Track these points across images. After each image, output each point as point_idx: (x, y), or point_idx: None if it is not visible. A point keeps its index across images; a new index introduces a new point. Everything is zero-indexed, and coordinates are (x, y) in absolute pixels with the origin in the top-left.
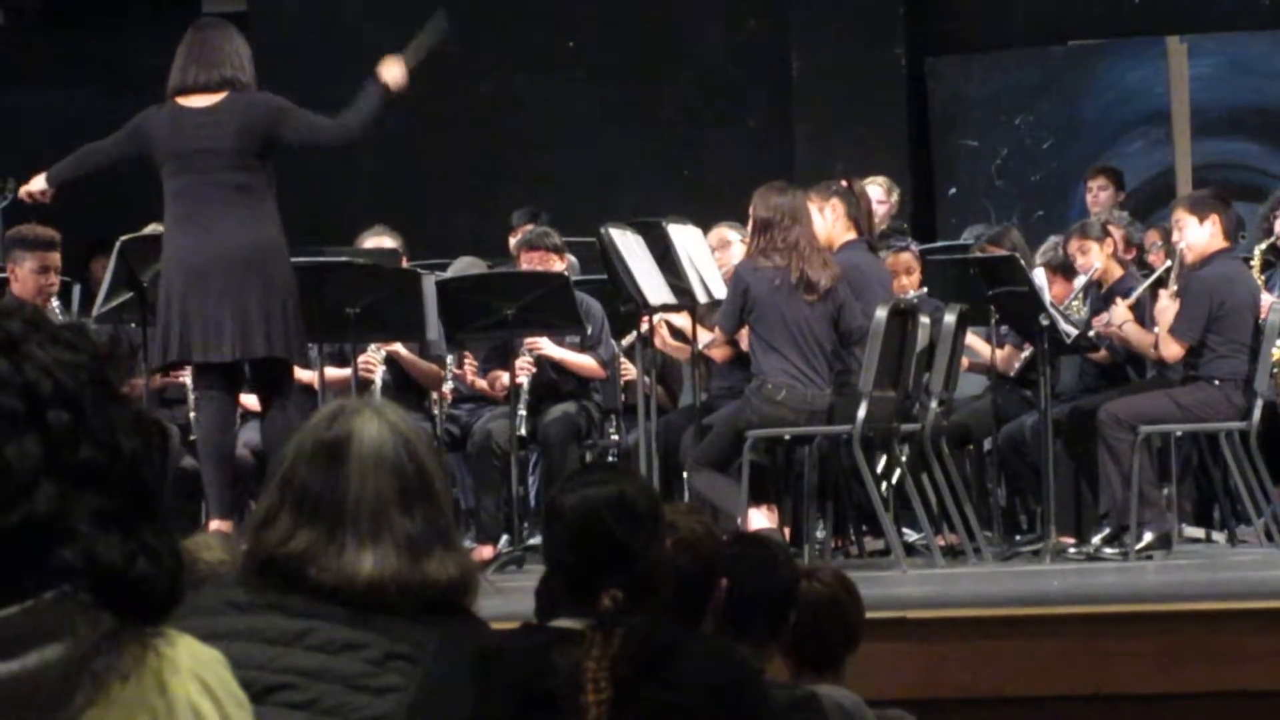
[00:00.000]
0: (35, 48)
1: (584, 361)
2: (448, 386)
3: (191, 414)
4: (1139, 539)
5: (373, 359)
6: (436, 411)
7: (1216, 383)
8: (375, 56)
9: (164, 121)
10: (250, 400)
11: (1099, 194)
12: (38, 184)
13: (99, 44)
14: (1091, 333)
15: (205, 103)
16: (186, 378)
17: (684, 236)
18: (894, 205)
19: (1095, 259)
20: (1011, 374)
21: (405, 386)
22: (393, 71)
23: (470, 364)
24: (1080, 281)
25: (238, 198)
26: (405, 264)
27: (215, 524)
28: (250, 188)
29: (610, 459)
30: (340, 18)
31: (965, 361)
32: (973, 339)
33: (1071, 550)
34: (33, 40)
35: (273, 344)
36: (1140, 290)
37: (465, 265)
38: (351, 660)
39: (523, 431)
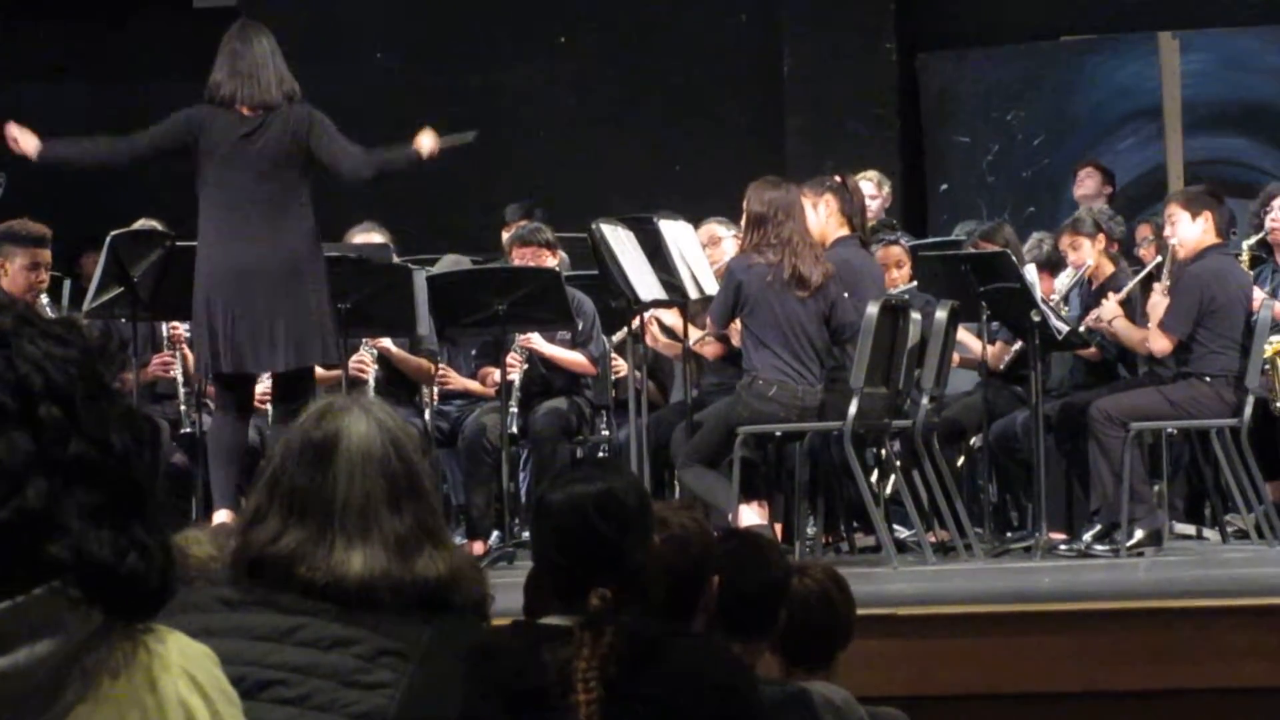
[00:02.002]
0: (23, 42)
1: (575, 358)
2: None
3: (182, 407)
4: (1130, 536)
5: (365, 359)
6: (427, 407)
7: (1208, 379)
8: (364, 54)
9: (215, 124)
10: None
11: (1085, 180)
12: (30, 143)
13: (87, 38)
14: (1082, 329)
15: (257, 111)
16: (177, 372)
17: (675, 232)
18: (886, 199)
19: (1087, 255)
20: (1002, 366)
21: (396, 382)
22: (426, 142)
23: (444, 371)
24: (1066, 276)
25: (282, 205)
26: (395, 259)
27: (220, 515)
28: (295, 195)
29: (601, 455)
30: (330, 14)
31: (956, 358)
32: (964, 335)
33: (1062, 547)
34: (20, 34)
35: (325, 351)
36: (1130, 285)
37: (450, 264)
38: (342, 656)
39: (514, 428)
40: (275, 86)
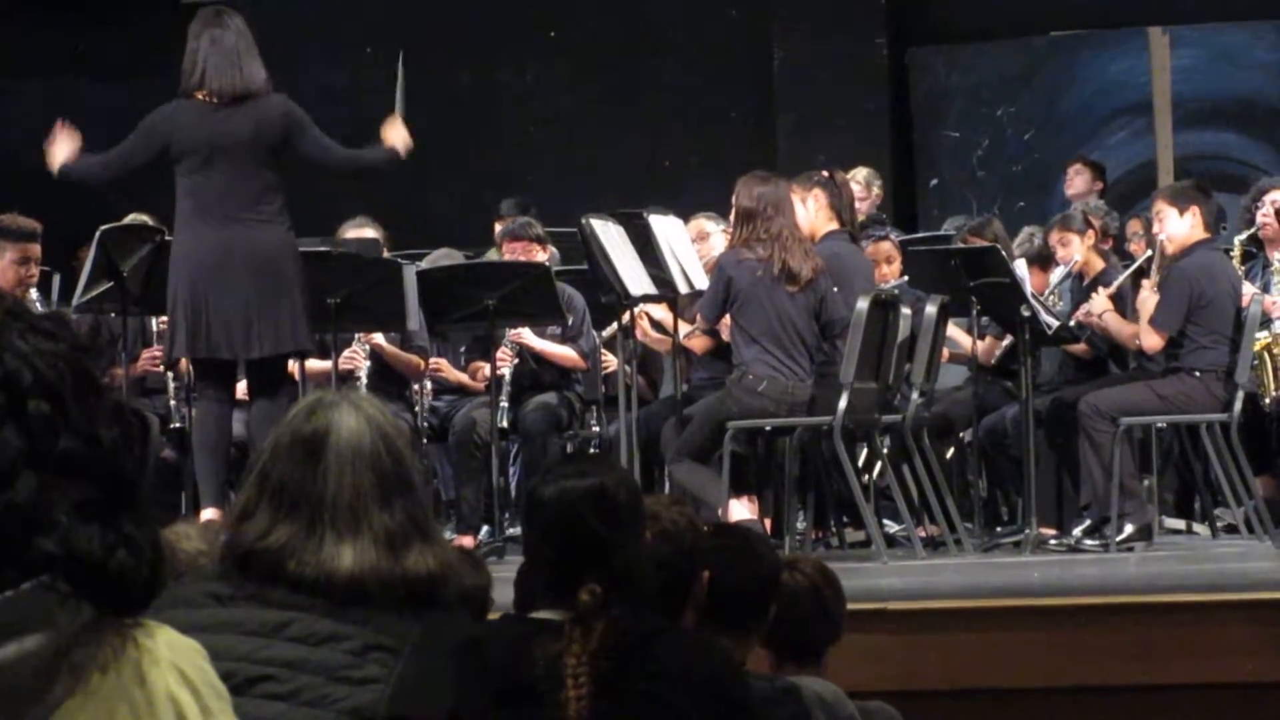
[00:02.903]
0: (17, 37)
1: (565, 353)
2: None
3: (171, 402)
4: (1120, 530)
5: (357, 354)
6: (418, 402)
7: (1197, 374)
8: (356, 49)
9: (184, 117)
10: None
11: (1074, 179)
12: (61, 154)
13: (82, 34)
14: (1072, 323)
15: (232, 99)
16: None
17: (665, 227)
18: (874, 199)
19: (1076, 250)
20: (991, 364)
21: (386, 377)
22: (397, 136)
23: (437, 363)
24: (1059, 273)
25: (256, 195)
26: (386, 254)
27: (209, 513)
28: (268, 186)
29: (593, 450)
30: (322, 9)
31: (945, 353)
32: (954, 330)
33: (1052, 542)
34: (15, 30)
35: (297, 339)
36: (1120, 280)
37: (440, 257)
38: (332, 652)
39: (504, 422)
40: (253, 74)
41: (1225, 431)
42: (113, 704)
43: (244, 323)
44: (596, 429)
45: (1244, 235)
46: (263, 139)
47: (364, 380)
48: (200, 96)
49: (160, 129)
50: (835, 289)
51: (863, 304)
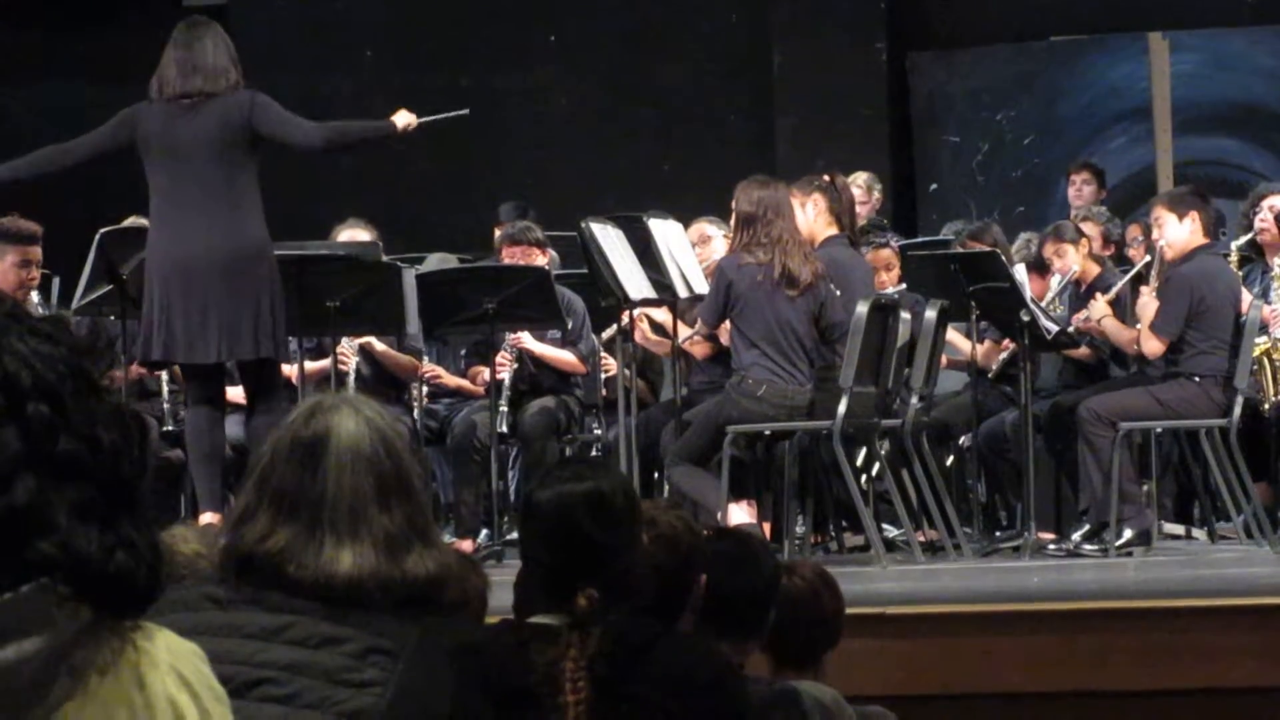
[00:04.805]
0: (24, 43)
1: (565, 356)
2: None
3: (165, 405)
4: (1119, 536)
5: (346, 351)
6: (416, 405)
7: (1197, 379)
8: (355, 53)
9: (152, 116)
10: (233, 393)
11: (1082, 188)
12: None
13: (88, 39)
14: (1071, 329)
15: (194, 100)
16: (164, 370)
17: (665, 231)
18: (875, 203)
19: (1072, 261)
20: (990, 371)
21: (384, 380)
22: (404, 117)
23: (435, 370)
24: (1059, 280)
25: (223, 193)
26: (384, 258)
27: (207, 517)
28: (236, 183)
29: (595, 454)
30: (321, 13)
31: (944, 358)
32: (952, 335)
33: (1051, 547)
34: (21, 35)
35: (259, 345)
36: (1119, 286)
37: (437, 262)
38: (331, 655)
39: (503, 426)
40: (218, 77)
41: (1224, 437)
42: (111, 707)
43: (200, 325)
44: (597, 432)
45: (1242, 241)
46: (231, 135)
47: (351, 376)
48: (164, 100)
49: (129, 122)
50: (837, 292)
51: (862, 308)
